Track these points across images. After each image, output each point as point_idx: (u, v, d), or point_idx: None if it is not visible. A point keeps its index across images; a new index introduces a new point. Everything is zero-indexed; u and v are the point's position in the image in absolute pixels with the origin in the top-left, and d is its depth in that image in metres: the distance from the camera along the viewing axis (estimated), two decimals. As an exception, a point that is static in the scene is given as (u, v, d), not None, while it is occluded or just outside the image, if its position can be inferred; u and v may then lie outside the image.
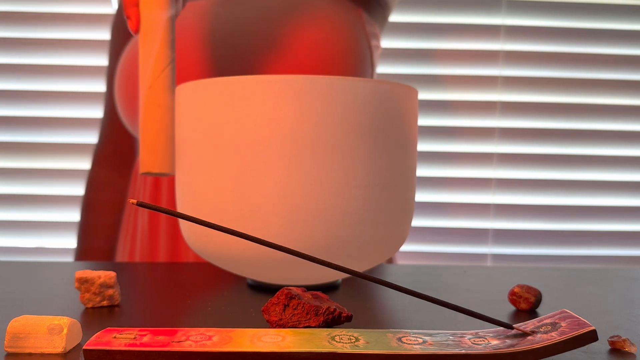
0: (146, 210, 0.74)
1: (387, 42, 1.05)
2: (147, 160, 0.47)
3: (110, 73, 0.83)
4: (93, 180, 0.83)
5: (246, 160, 0.40)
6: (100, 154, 0.83)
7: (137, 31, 0.49)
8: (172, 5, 0.50)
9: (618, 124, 1.08)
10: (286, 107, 0.40)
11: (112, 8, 1.02)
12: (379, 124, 0.42)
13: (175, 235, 0.69)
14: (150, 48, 0.48)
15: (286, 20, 0.67)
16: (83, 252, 0.81)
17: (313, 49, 0.66)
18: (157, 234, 0.71)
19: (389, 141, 0.42)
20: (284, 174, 0.40)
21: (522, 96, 1.07)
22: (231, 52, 0.66)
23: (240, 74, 0.64)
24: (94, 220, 0.82)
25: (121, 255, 0.77)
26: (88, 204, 0.83)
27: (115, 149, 0.82)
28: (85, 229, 0.82)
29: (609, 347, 0.32)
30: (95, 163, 0.84)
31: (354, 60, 0.69)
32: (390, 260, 0.80)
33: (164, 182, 0.71)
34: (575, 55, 1.06)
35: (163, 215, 0.71)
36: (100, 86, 1.02)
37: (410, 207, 0.46)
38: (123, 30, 0.82)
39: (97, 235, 0.82)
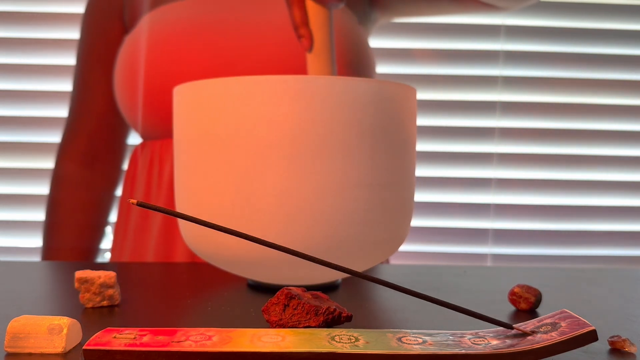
0: (137, 209, 0.73)
1: (387, 42, 1.05)
2: None
3: (80, 69, 0.81)
4: (61, 177, 0.81)
5: (246, 160, 0.40)
6: (69, 149, 0.81)
7: (311, 49, 0.52)
8: (332, 25, 0.53)
9: (618, 124, 1.08)
10: (286, 107, 0.40)
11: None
12: (378, 123, 0.42)
13: (167, 234, 0.69)
14: (320, 67, 0.52)
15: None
16: (50, 251, 0.79)
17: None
18: (147, 233, 0.71)
19: (388, 141, 0.42)
20: (283, 174, 0.40)
21: (522, 96, 1.07)
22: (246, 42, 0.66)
23: (251, 65, 0.64)
24: (62, 219, 0.80)
25: (117, 255, 0.76)
26: (55, 202, 0.80)
27: (89, 144, 0.80)
28: (52, 228, 0.80)
29: (609, 347, 0.32)
30: (62, 159, 0.81)
31: (370, 64, 0.69)
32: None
33: (157, 183, 0.70)
34: (575, 55, 1.07)
35: (155, 215, 0.71)
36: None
37: (410, 207, 0.46)
38: (93, 29, 0.80)
39: (65, 234, 0.80)
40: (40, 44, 1.03)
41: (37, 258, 1.00)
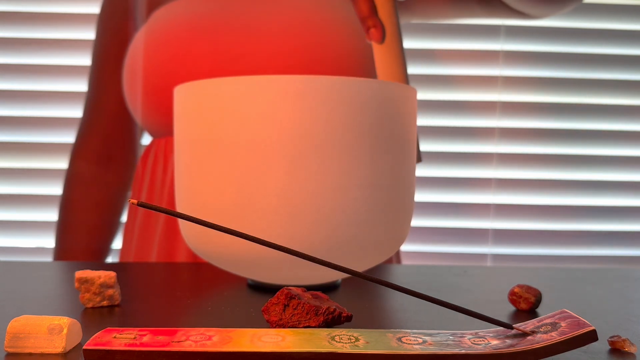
0: (141, 209, 0.73)
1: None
2: None
3: (95, 69, 0.82)
4: (74, 176, 0.81)
5: (246, 160, 0.40)
6: (83, 148, 0.81)
7: (383, 40, 0.50)
8: (398, 13, 0.52)
9: (618, 124, 1.08)
10: (286, 107, 0.40)
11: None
12: (379, 123, 0.42)
13: (170, 234, 0.69)
14: (391, 56, 0.50)
15: (296, 18, 0.67)
16: (62, 252, 0.80)
17: (322, 48, 0.66)
18: (152, 234, 0.71)
19: (388, 141, 0.42)
20: (284, 174, 0.40)
21: (522, 96, 1.07)
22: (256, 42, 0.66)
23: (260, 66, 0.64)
24: (75, 219, 0.80)
25: (125, 256, 0.76)
26: (69, 201, 0.81)
27: (103, 143, 0.81)
28: (65, 228, 0.80)
29: (609, 347, 0.32)
30: (76, 158, 0.81)
31: (363, 61, 0.69)
32: (398, 260, 0.80)
33: (164, 182, 0.70)
34: (575, 55, 1.06)
35: (156, 215, 0.71)
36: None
37: (410, 207, 0.46)
38: (107, 29, 0.81)
39: (78, 234, 0.80)
40: (57, 45, 1.03)
41: (49, 258, 1.00)
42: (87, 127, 0.82)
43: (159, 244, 0.69)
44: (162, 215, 0.70)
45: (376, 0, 0.51)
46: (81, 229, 0.80)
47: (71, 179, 0.81)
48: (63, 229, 0.80)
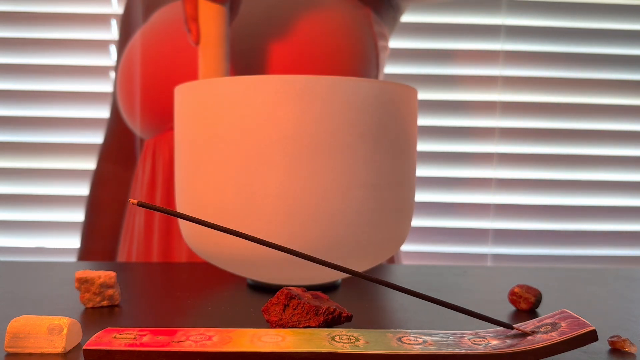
0: (142, 209, 0.74)
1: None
2: None
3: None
4: (98, 177, 0.83)
5: (246, 160, 0.40)
6: (106, 150, 0.83)
7: (197, 43, 0.55)
8: (228, 22, 0.56)
9: (618, 124, 1.08)
10: (286, 107, 0.40)
11: (112, 8, 1.02)
12: (379, 123, 0.42)
13: (169, 235, 0.69)
14: (209, 60, 0.55)
15: (293, 13, 0.67)
16: (87, 253, 0.81)
17: (316, 43, 0.66)
18: (151, 234, 0.71)
19: (388, 141, 0.42)
20: (284, 174, 0.40)
21: (522, 96, 1.07)
22: (245, 41, 0.67)
23: (250, 63, 0.65)
24: (98, 220, 0.82)
25: (121, 256, 0.77)
26: (93, 203, 0.82)
27: (120, 145, 0.82)
28: (90, 229, 0.82)
29: (609, 347, 0.32)
30: (101, 160, 0.83)
31: (357, 58, 0.69)
32: (398, 260, 0.80)
33: (159, 180, 0.70)
34: (575, 55, 1.06)
35: (156, 214, 0.71)
36: (100, 86, 1.02)
37: (410, 207, 0.46)
38: (129, 29, 0.82)
39: (101, 234, 0.81)
40: (57, 45, 1.03)
41: (49, 258, 1.00)
42: (110, 127, 0.84)
43: (158, 244, 0.69)
44: (159, 215, 0.70)
45: (200, 6, 0.55)
46: (106, 229, 0.81)
47: (95, 179, 0.83)
48: (91, 229, 0.81)
